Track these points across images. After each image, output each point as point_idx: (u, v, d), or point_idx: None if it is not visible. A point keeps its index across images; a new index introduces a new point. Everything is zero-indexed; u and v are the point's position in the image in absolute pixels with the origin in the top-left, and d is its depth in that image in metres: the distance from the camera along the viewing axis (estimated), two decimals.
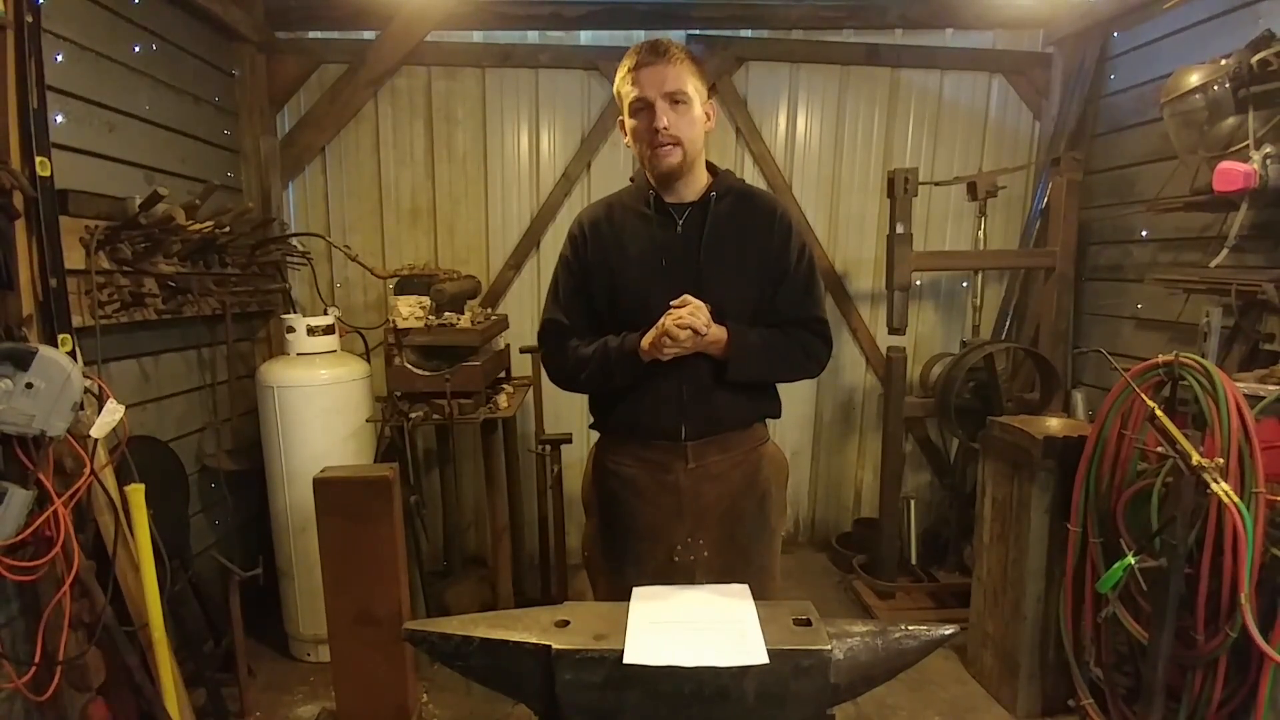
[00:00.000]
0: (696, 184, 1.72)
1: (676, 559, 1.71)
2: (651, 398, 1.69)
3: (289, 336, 2.97)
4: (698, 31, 3.74)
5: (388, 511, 2.28)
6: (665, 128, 1.58)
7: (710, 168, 1.77)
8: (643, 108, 1.60)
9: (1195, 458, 1.91)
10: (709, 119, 1.68)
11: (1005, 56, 3.87)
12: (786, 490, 1.92)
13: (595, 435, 1.90)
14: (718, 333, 1.60)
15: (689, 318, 1.54)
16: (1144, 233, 3.30)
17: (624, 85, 1.63)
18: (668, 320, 1.55)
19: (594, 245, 1.73)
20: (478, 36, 3.70)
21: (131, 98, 2.66)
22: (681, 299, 1.57)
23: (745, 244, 1.69)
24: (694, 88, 1.61)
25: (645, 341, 1.59)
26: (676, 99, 1.58)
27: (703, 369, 1.67)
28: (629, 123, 1.65)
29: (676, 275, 1.65)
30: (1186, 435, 1.99)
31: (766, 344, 1.68)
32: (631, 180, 1.81)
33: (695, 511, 1.72)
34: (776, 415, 1.84)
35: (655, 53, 1.58)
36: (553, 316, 1.77)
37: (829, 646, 1.14)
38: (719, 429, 1.72)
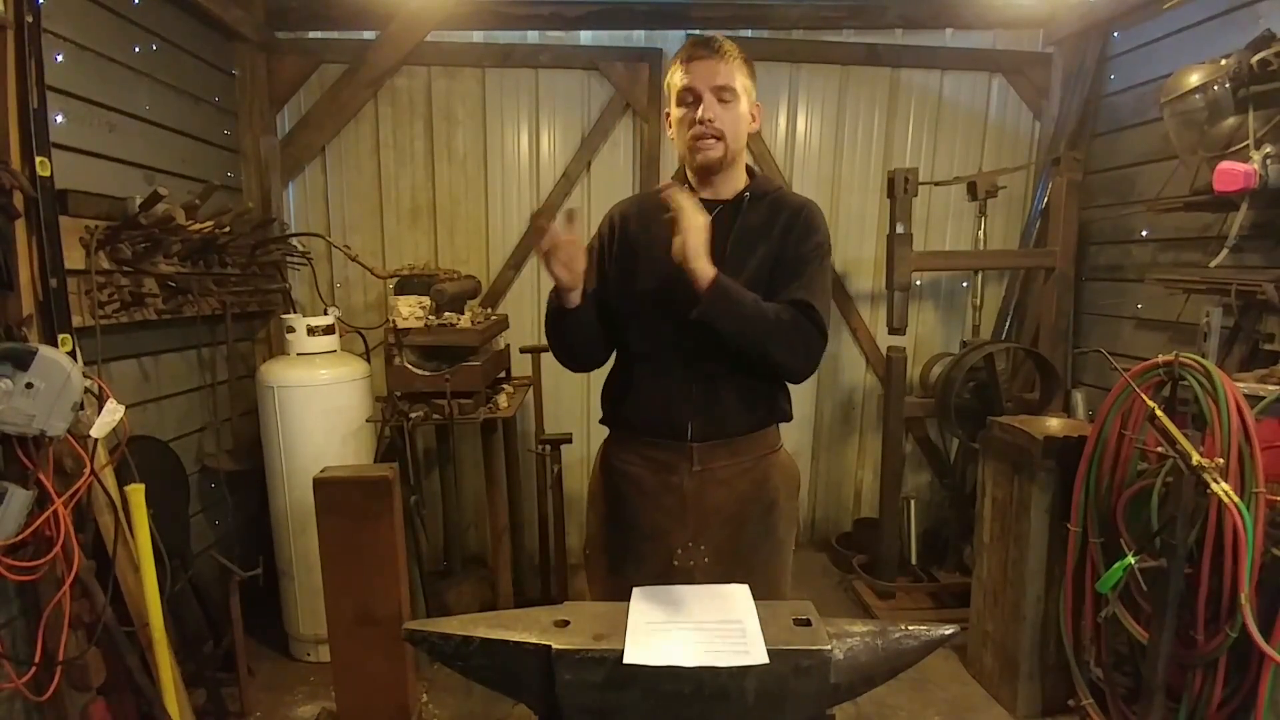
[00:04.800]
0: (734, 183, 1.70)
1: (676, 563, 1.68)
2: (660, 395, 1.67)
3: (289, 336, 2.97)
4: (697, 32, 3.73)
5: (388, 511, 2.28)
6: (711, 120, 1.58)
7: (749, 170, 1.75)
8: (690, 99, 1.61)
9: (1195, 458, 1.91)
10: (754, 120, 1.69)
11: (1005, 56, 3.87)
12: (797, 500, 1.86)
13: (601, 432, 1.88)
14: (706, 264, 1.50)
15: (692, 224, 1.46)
16: (1144, 233, 3.30)
17: (674, 76, 1.64)
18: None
19: (620, 236, 1.73)
20: (478, 36, 3.70)
21: (131, 98, 2.66)
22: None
23: (769, 247, 1.66)
24: (742, 85, 1.62)
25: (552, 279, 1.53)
26: (724, 95, 1.60)
27: (713, 367, 1.64)
28: (674, 113, 1.66)
29: None
30: (1186, 435, 1.99)
31: (756, 300, 1.55)
32: (673, 179, 1.80)
33: (698, 516, 1.68)
34: (788, 419, 1.80)
35: (709, 47, 1.60)
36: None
37: (829, 646, 1.14)
38: (727, 432, 1.68)
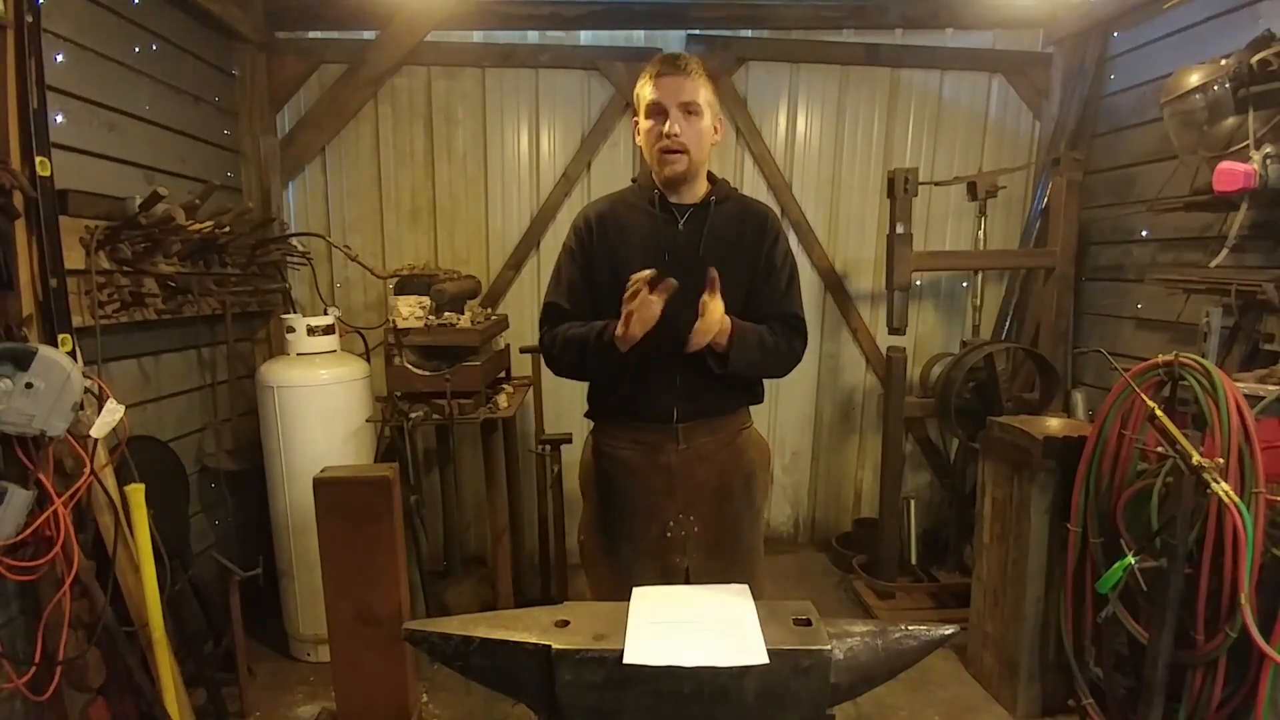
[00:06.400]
0: (697, 189, 1.85)
1: (669, 534, 1.82)
2: (647, 383, 1.79)
3: (289, 336, 2.96)
4: (698, 31, 3.73)
5: (388, 511, 2.28)
6: (676, 134, 1.70)
7: (709, 176, 1.89)
8: (657, 112, 1.73)
9: (1195, 458, 1.91)
10: (717, 132, 1.82)
11: (1005, 56, 3.87)
12: (769, 472, 2.06)
13: (590, 425, 1.97)
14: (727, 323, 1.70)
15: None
16: (1144, 233, 3.30)
17: (643, 89, 1.76)
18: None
19: (599, 237, 1.82)
20: (478, 36, 3.70)
21: (131, 98, 2.66)
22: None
23: (740, 246, 1.82)
24: (706, 101, 1.75)
25: (620, 329, 1.65)
26: (690, 109, 1.72)
27: (694, 356, 1.74)
28: (643, 124, 1.77)
29: (678, 270, 1.71)
30: (1186, 435, 1.99)
31: (761, 338, 1.78)
32: (634, 181, 1.93)
33: (686, 490, 1.83)
34: (760, 400, 1.96)
35: (676, 65, 1.72)
36: (553, 300, 1.87)
37: (829, 646, 1.14)
38: (708, 413, 1.83)
